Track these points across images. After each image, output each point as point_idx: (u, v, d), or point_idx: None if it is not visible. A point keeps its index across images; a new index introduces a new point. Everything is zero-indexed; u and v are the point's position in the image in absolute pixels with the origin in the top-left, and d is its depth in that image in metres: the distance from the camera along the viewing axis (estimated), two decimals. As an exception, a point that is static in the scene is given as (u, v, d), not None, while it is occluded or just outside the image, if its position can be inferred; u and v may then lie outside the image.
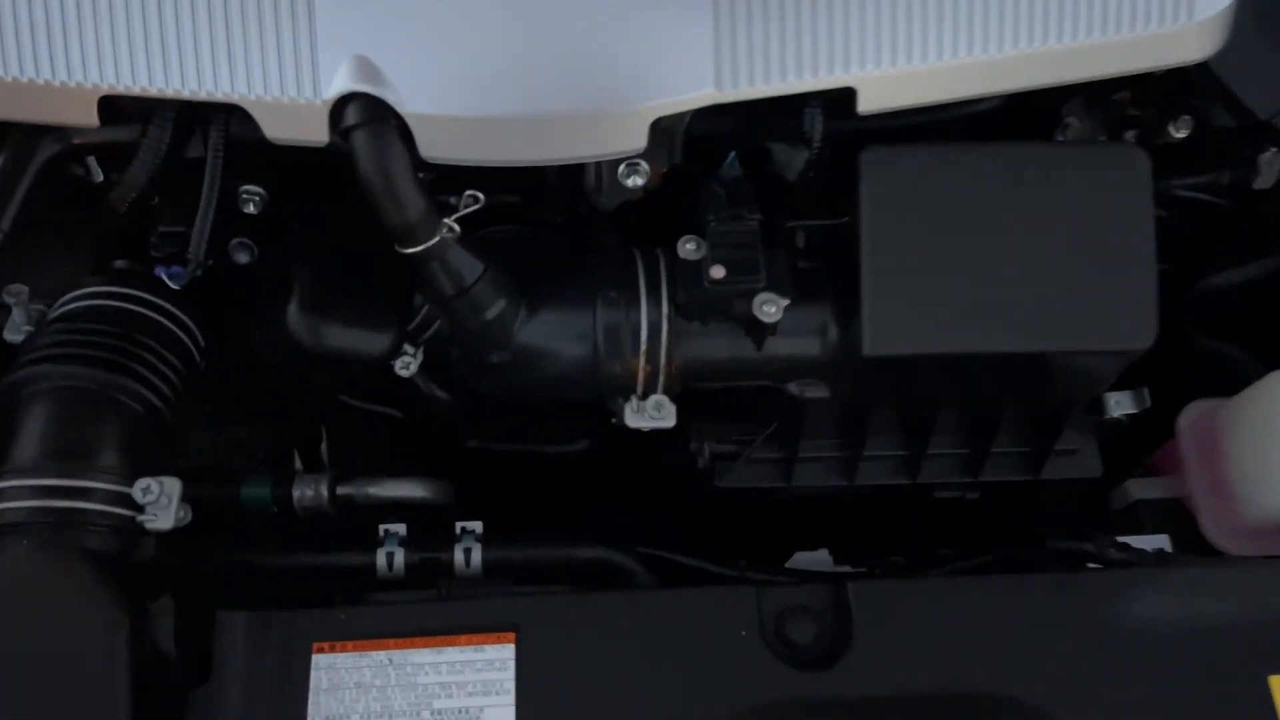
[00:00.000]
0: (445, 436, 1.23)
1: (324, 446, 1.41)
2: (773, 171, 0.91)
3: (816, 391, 0.96)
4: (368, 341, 0.99)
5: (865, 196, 0.88)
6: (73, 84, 0.84)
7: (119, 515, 0.87)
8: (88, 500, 0.86)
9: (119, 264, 1.03)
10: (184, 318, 0.99)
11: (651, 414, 0.96)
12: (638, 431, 1.01)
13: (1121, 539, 1.03)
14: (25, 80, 0.83)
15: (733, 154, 0.92)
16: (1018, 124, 0.99)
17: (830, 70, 0.84)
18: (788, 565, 1.17)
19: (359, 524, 1.15)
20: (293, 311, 0.96)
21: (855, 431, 1.02)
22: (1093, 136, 1.04)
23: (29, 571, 0.83)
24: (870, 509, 1.14)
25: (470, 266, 0.90)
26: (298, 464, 1.41)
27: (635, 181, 0.91)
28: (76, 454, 0.88)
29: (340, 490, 1.12)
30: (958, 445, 1.05)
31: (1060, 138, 1.03)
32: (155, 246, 0.94)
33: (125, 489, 0.88)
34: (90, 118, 0.85)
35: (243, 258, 1.03)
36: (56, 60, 0.83)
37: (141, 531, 0.88)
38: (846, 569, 1.18)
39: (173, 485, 0.89)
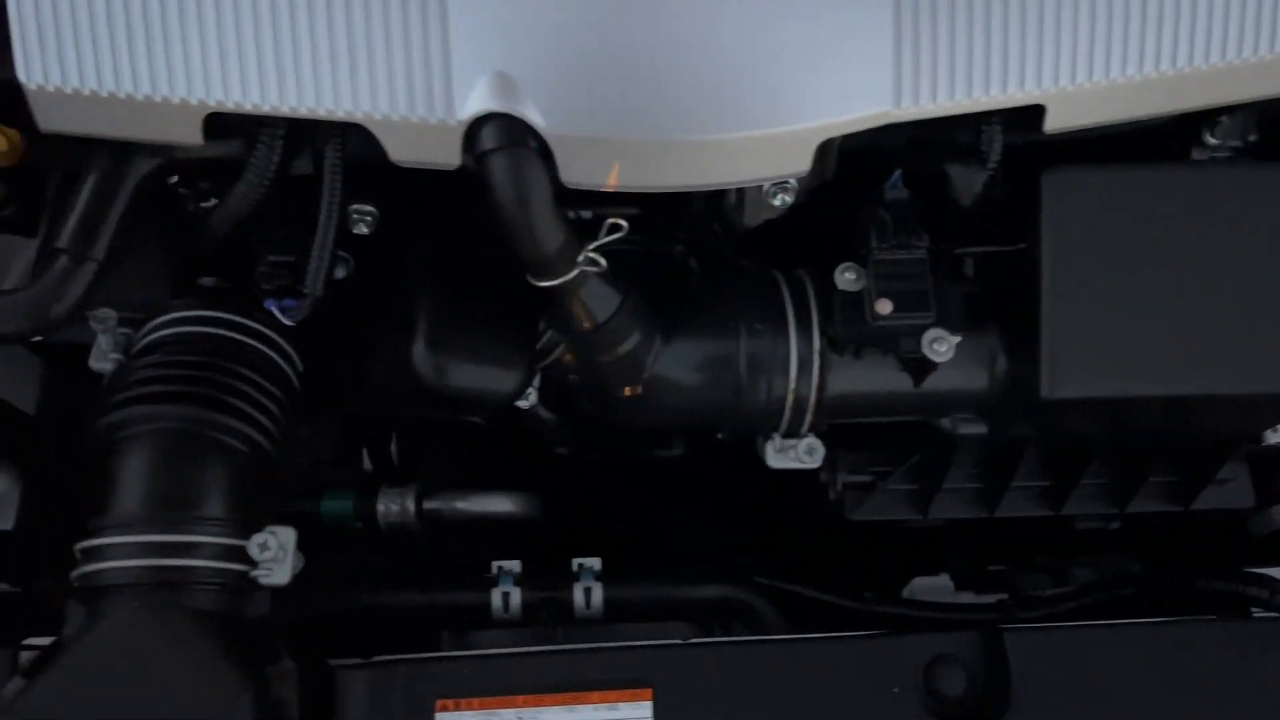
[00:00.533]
0: (529, 442, 1.16)
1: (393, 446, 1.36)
2: (944, 193, 0.83)
3: (973, 428, 0.89)
4: (499, 380, 0.91)
5: (1046, 222, 0.81)
6: (177, 100, 0.75)
7: (231, 571, 0.80)
8: (197, 557, 0.79)
9: (206, 281, 0.94)
10: (281, 341, 0.91)
11: (802, 457, 0.89)
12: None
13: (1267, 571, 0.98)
14: (124, 95, 0.74)
15: (897, 173, 0.84)
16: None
17: (1021, 86, 0.76)
18: (906, 593, 1.11)
19: (433, 534, 1.10)
20: (419, 350, 0.88)
21: (1004, 464, 0.95)
22: (1242, 136, 0.95)
23: (140, 638, 0.77)
24: (998, 537, 1.08)
25: (607, 300, 0.82)
26: (366, 463, 1.36)
27: (784, 200, 0.82)
28: (182, 505, 0.80)
29: (427, 505, 1.07)
30: (1105, 475, 0.98)
31: (1208, 135, 0.95)
32: (264, 278, 0.85)
33: (237, 541, 0.81)
34: (195, 135, 0.76)
35: (339, 272, 0.95)
36: (158, 75, 0.74)
37: (254, 586, 0.81)
38: (968, 595, 1.13)
39: (288, 536, 0.82)
